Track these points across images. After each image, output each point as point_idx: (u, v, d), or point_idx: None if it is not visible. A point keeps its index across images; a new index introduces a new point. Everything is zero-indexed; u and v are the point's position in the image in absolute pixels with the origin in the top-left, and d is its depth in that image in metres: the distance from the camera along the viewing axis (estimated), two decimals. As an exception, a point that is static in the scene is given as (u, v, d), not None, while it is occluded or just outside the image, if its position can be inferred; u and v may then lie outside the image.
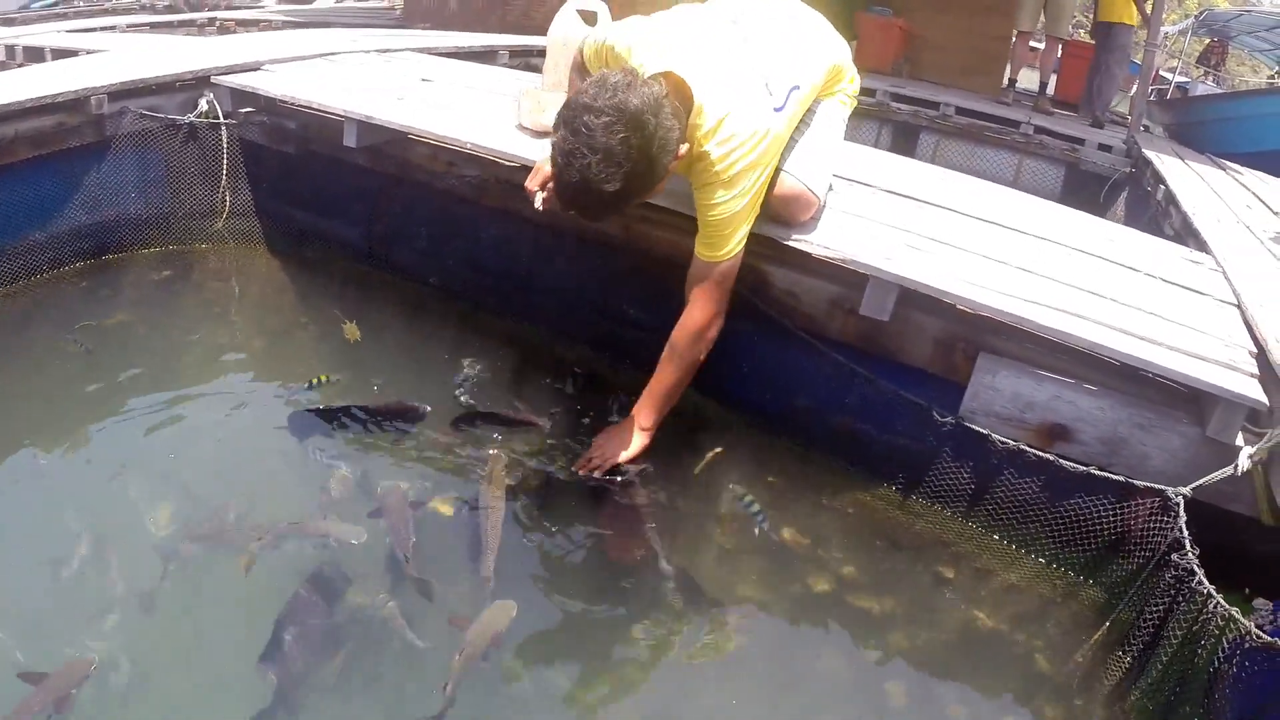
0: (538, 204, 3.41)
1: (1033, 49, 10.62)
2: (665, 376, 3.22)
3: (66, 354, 3.83)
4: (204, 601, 2.73)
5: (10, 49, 7.08)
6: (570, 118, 2.63)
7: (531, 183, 3.41)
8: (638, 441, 3.26)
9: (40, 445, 3.28)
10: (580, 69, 3.29)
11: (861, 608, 3.02)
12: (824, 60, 3.31)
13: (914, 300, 3.26)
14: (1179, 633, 2.61)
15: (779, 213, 3.27)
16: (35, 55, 6.73)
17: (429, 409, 3.56)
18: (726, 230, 2.99)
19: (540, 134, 4.00)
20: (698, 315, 3.12)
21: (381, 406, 3.59)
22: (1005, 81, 9.87)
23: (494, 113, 4.40)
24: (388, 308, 4.48)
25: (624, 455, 3.25)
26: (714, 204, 2.95)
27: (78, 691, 2.40)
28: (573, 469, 3.27)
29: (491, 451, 3.32)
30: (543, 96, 4.01)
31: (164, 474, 3.20)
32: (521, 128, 4.11)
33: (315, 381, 3.72)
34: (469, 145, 3.97)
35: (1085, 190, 7.48)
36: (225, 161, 4.82)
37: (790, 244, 3.30)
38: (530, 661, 2.63)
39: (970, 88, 9.41)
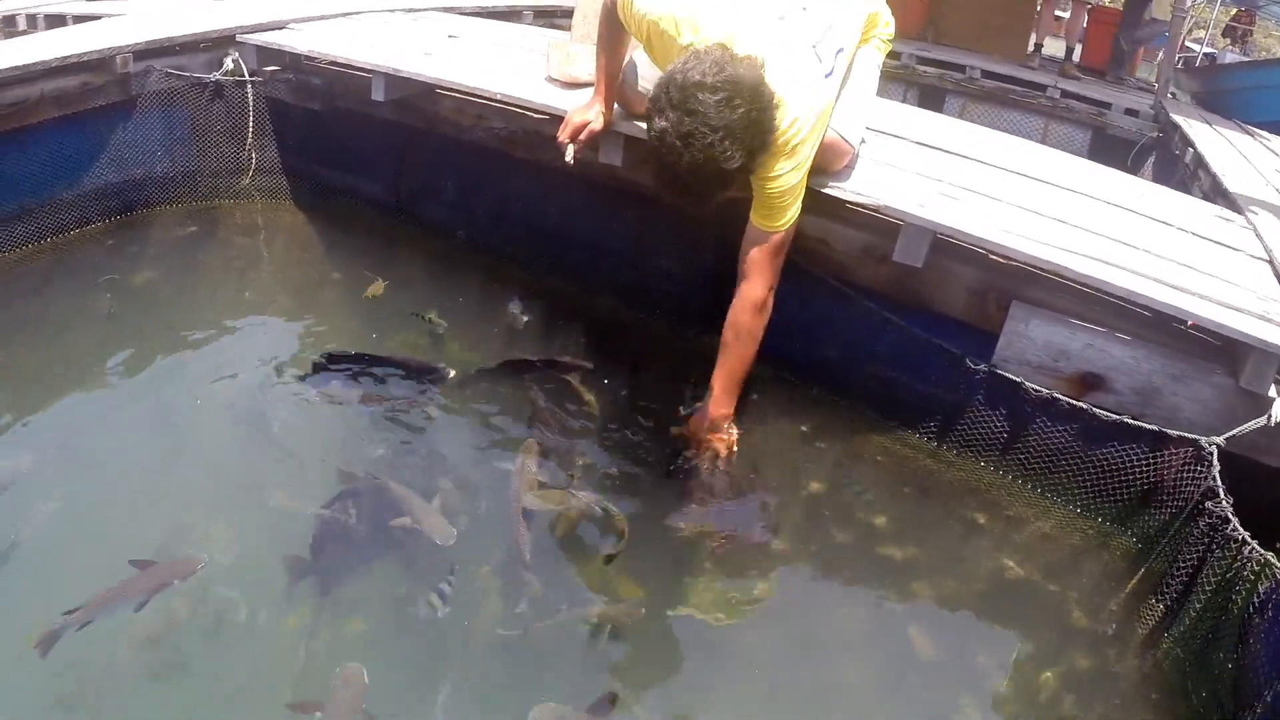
0: (569, 157, 3.40)
1: (1058, 18, 10.51)
2: (736, 359, 3.13)
3: (92, 310, 3.86)
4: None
5: (32, 18, 7.07)
6: (680, 100, 2.51)
7: (563, 134, 3.39)
8: (730, 429, 3.21)
9: (67, 399, 3.32)
10: (611, 20, 3.20)
11: (890, 556, 3.02)
12: (863, 10, 3.28)
13: (946, 248, 3.25)
14: (1212, 580, 2.60)
15: (814, 162, 3.24)
16: (57, 23, 6.72)
17: (452, 373, 3.54)
18: (786, 200, 2.94)
19: (569, 85, 3.99)
20: (758, 289, 3.04)
21: (405, 362, 3.59)
22: (1031, 47, 9.77)
23: (522, 66, 4.39)
24: (415, 261, 4.50)
25: (729, 445, 3.19)
26: (775, 176, 2.89)
27: (180, 584, 2.52)
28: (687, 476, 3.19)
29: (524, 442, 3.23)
30: (571, 49, 4.00)
31: (192, 428, 3.24)
32: (550, 80, 4.10)
33: (422, 317, 3.82)
34: (498, 96, 3.96)
35: (1112, 154, 7.39)
36: (251, 119, 4.83)
37: (824, 191, 3.28)
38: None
39: (995, 52, 9.31)
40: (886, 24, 3.44)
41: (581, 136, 3.40)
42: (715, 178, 2.58)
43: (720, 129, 2.48)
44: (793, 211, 2.98)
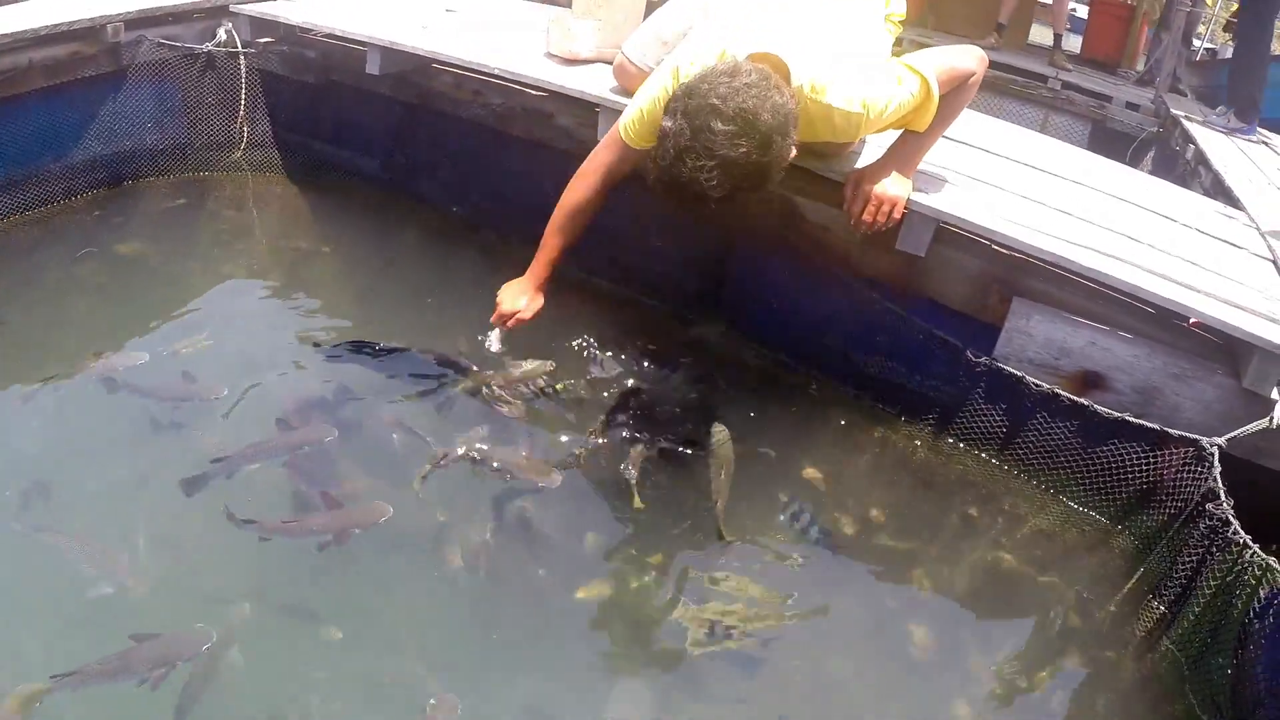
0: (493, 346, 3.35)
1: (1041, 4, 10.32)
2: (930, 138, 3.04)
3: (80, 280, 3.80)
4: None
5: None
6: (692, 111, 2.40)
7: (494, 318, 3.25)
8: (906, 188, 3.08)
9: (51, 374, 3.22)
10: (592, 175, 3.13)
11: (887, 549, 2.98)
12: None
13: (949, 238, 3.20)
14: (1212, 583, 2.55)
15: (823, 149, 3.18)
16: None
17: (474, 367, 3.46)
18: (899, 109, 2.82)
19: (569, 61, 3.94)
20: (953, 99, 2.93)
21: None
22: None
23: (520, 42, 4.31)
24: (408, 236, 4.46)
25: (905, 196, 3.07)
26: (886, 110, 2.78)
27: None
28: (854, 218, 3.09)
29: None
30: (572, 24, 3.93)
31: (178, 406, 3.17)
32: (550, 55, 4.04)
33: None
34: (496, 71, 3.90)
35: (1111, 148, 7.31)
36: (244, 91, 4.76)
37: (828, 178, 3.23)
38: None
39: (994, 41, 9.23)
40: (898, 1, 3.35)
41: (509, 324, 3.22)
42: (697, 199, 2.49)
43: (716, 159, 2.39)
44: (910, 92, 2.81)
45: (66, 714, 2.15)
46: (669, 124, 2.45)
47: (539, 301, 3.20)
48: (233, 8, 4.67)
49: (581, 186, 3.10)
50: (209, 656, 2.28)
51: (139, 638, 2.30)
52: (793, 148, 2.53)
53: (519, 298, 3.18)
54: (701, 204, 2.52)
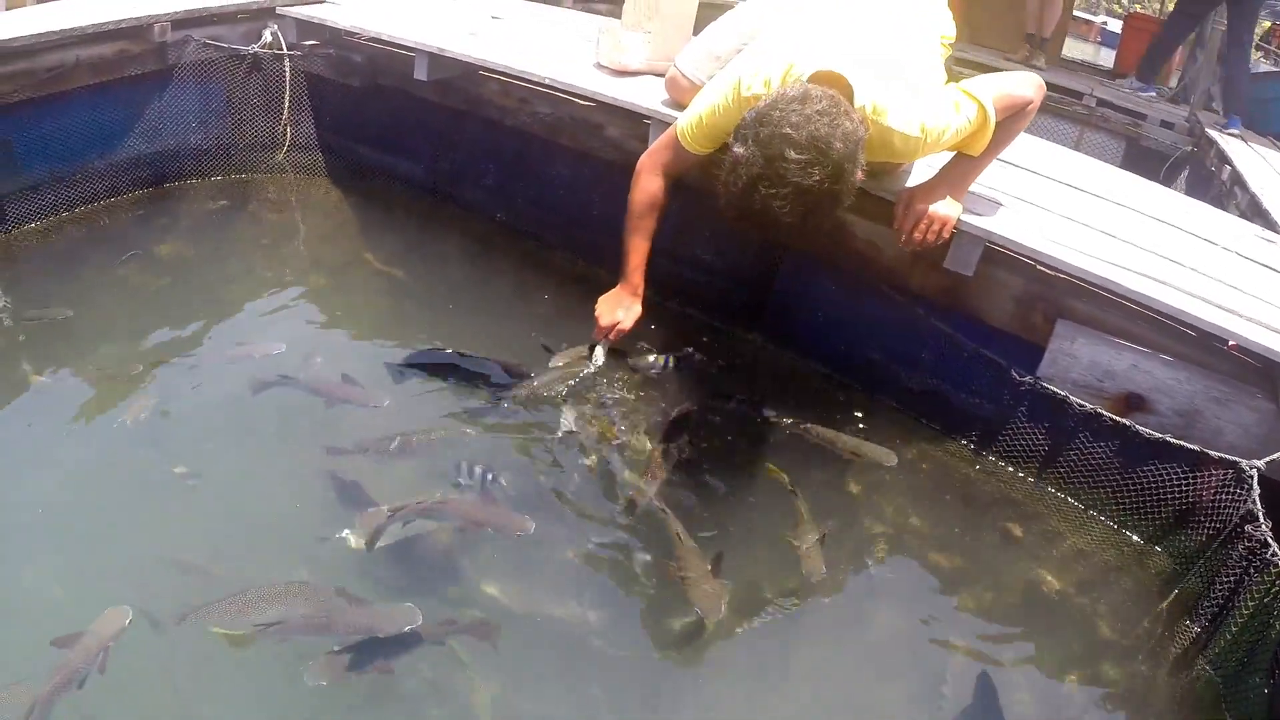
0: (599, 360, 3.33)
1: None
2: (984, 162, 3.07)
3: (121, 281, 3.83)
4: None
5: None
6: (765, 139, 2.40)
7: (597, 335, 3.29)
8: (957, 209, 3.10)
9: (91, 374, 3.25)
10: (655, 175, 3.13)
11: (926, 562, 3.00)
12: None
13: (996, 258, 3.22)
14: (1250, 604, 2.57)
15: (875, 168, 3.19)
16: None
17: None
18: (958, 132, 2.85)
19: (619, 73, 3.97)
20: (1009, 125, 2.98)
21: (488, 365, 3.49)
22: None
23: (569, 50, 4.35)
24: (452, 242, 4.49)
25: (956, 216, 3.10)
26: (944, 135, 2.82)
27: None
28: (904, 235, 3.12)
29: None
30: (622, 36, 3.95)
31: (220, 411, 3.18)
32: (599, 66, 4.06)
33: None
34: (545, 80, 3.93)
35: (1145, 166, 7.29)
36: (288, 93, 4.79)
37: (876, 194, 3.26)
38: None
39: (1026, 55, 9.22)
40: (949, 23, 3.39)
41: (611, 336, 3.25)
42: (771, 224, 2.50)
43: (790, 186, 2.39)
44: (965, 109, 2.84)
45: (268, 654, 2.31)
46: (741, 151, 2.45)
47: (637, 309, 3.23)
48: (279, 9, 4.71)
49: (647, 186, 3.13)
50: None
51: (349, 598, 2.44)
52: (861, 171, 2.53)
53: (616, 309, 3.21)
54: (774, 231, 2.54)
